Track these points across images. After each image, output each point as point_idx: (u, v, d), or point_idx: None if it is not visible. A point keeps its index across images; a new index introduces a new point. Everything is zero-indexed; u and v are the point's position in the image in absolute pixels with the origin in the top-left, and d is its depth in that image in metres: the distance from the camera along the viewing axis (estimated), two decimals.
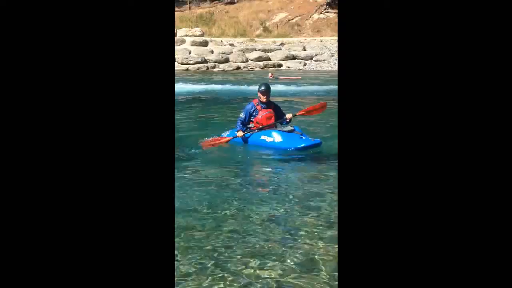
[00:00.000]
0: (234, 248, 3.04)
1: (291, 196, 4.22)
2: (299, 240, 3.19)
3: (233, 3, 36.64)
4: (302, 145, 5.69)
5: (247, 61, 24.81)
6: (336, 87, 2.11)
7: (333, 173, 4.68)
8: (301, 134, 5.95)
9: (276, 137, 5.95)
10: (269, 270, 2.74)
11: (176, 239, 3.02)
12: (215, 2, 37.23)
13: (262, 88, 6.26)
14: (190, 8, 36.73)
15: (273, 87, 6.79)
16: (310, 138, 5.84)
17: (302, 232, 3.33)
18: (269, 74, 19.80)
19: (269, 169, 5.36)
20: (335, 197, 3.86)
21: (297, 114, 6.35)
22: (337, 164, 2.45)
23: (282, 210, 3.84)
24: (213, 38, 26.95)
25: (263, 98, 6.23)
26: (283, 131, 6.03)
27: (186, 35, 25.34)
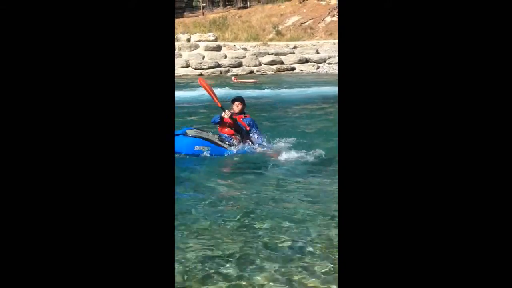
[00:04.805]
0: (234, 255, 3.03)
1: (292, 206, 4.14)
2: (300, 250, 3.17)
3: (246, 7, 36.83)
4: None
5: (260, 65, 24.89)
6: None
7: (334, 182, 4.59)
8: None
9: None
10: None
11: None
12: (228, 7, 37.46)
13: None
14: (203, 13, 37.00)
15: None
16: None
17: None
18: (233, 78, 20.33)
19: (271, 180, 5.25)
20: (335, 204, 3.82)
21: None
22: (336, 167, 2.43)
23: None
24: (226, 43, 27.10)
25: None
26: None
27: (200, 40, 25.54)
